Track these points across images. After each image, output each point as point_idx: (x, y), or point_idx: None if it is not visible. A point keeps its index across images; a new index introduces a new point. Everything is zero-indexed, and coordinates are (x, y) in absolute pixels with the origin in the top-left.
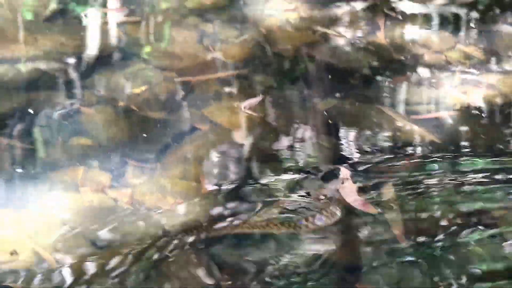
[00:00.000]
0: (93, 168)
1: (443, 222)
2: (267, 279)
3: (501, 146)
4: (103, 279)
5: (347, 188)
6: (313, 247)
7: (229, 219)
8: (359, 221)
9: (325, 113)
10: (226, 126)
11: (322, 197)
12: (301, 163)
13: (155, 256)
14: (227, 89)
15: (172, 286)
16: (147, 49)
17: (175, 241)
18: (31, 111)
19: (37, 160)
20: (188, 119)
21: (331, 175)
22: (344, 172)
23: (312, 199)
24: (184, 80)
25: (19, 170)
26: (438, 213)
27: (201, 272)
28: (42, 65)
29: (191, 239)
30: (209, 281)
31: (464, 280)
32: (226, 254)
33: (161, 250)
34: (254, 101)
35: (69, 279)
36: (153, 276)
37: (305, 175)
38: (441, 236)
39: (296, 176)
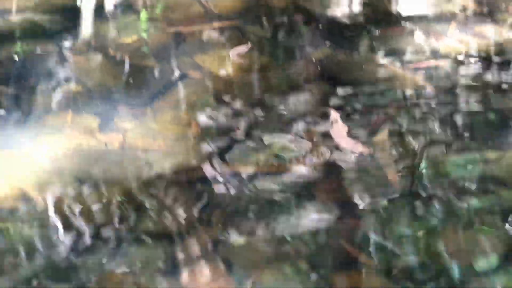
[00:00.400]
0: (82, 113)
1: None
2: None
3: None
4: (89, 216)
5: (337, 130)
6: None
7: (221, 160)
8: (349, 161)
9: (318, 62)
10: (218, 74)
11: (312, 138)
12: (292, 109)
13: (146, 195)
14: (219, 39)
15: (162, 224)
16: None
17: (165, 181)
18: (17, 58)
19: (26, 105)
20: (180, 67)
21: (320, 118)
22: (334, 114)
23: (302, 140)
24: (176, 30)
25: (7, 114)
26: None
27: (191, 211)
28: (33, 16)
29: (181, 179)
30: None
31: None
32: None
33: (151, 189)
34: (242, 49)
35: (56, 216)
36: (143, 213)
37: (295, 119)
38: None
39: (287, 120)
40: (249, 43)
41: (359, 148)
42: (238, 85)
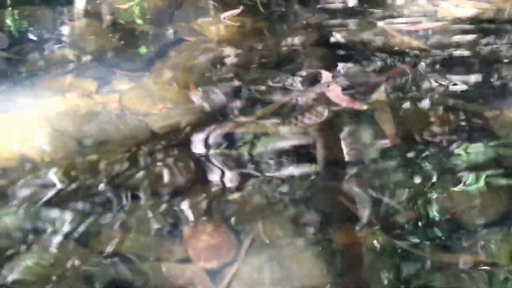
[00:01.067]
0: (79, 77)
1: (436, 125)
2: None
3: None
4: (91, 176)
5: (333, 90)
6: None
7: (220, 120)
8: (346, 120)
9: (315, 26)
10: (214, 37)
11: (309, 98)
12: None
13: (144, 155)
14: (215, 4)
15: (161, 182)
16: None
17: (164, 141)
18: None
19: (24, 69)
20: (177, 32)
21: (315, 79)
22: (326, 75)
23: (300, 100)
24: None
25: (5, 78)
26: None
27: (188, 170)
28: None
29: (179, 140)
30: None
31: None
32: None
33: (150, 149)
34: (233, 12)
35: (55, 176)
36: (142, 176)
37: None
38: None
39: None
40: (241, 6)
41: (356, 105)
42: (234, 48)
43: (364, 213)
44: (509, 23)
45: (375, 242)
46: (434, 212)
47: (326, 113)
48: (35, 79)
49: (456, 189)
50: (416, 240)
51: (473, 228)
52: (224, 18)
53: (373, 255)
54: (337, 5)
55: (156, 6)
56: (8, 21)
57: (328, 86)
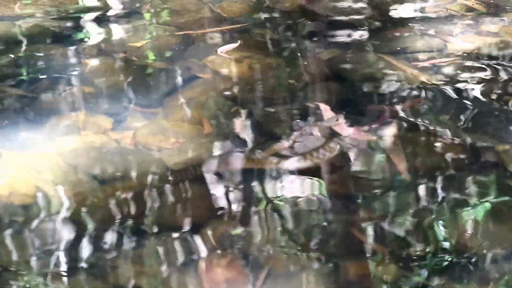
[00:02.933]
0: (94, 113)
1: (447, 158)
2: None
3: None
4: (104, 210)
5: (341, 124)
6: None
7: (233, 156)
8: (357, 153)
9: (326, 62)
10: (227, 75)
11: (319, 134)
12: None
13: (158, 189)
14: (227, 41)
15: (175, 217)
16: (148, 6)
17: (177, 176)
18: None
19: (40, 107)
20: (189, 68)
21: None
22: (323, 107)
23: (309, 136)
24: (185, 33)
25: (22, 116)
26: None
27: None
28: (43, 22)
29: (193, 175)
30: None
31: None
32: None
33: (163, 184)
34: (230, 46)
35: (69, 210)
36: (157, 210)
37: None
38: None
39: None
40: (239, 41)
41: (365, 136)
42: (246, 85)
43: (375, 245)
44: None
45: (386, 274)
46: (443, 243)
47: (338, 148)
48: (50, 116)
49: (465, 218)
50: (427, 271)
51: (483, 257)
52: (221, 52)
53: (385, 286)
54: (347, 39)
55: (168, 44)
56: (22, 60)
57: (336, 120)
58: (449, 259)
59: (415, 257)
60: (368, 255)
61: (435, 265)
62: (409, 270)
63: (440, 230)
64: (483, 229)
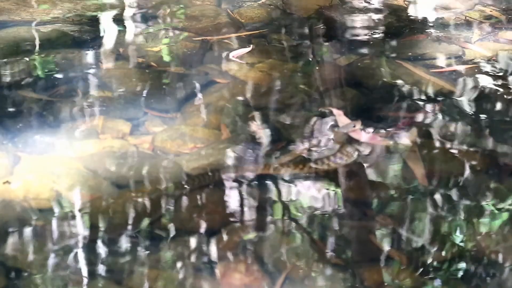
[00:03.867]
0: (113, 118)
1: (466, 164)
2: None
3: None
4: (122, 214)
5: (358, 130)
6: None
7: (251, 162)
8: (374, 160)
9: (344, 68)
10: (245, 80)
11: (336, 139)
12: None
13: (176, 194)
14: (244, 47)
15: (193, 222)
16: (166, 11)
17: (196, 182)
18: (51, 67)
19: (59, 111)
20: (207, 74)
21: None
22: (336, 112)
23: (327, 141)
24: (203, 39)
25: (41, 121)
26: (460, 155)
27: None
28: (62, 27)
29: (210, 180)
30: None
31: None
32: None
33: (181, 189)
34: (242, 51)
35: (87, 214)
36: (173, 213)
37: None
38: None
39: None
40: (251, 45)
41: (382, 141)
42: (264, 90)
43: (392, 251)
44: None
45: (405, 281)
46: (462, 249)
47: (355, 154)
48: (69, 121)
49: (484, 228)
50: (445, 278)
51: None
52: (233, 57)
53: None
54: (365, 46)
55: (186, 49)
56: (41, 64)
57: (354, 126)
58: (466, 267)
59: (432, 264)
60: (385, 261)
61: (452, 273)
62: (426, 277)
63: (457, 237)
64: (500, 237)
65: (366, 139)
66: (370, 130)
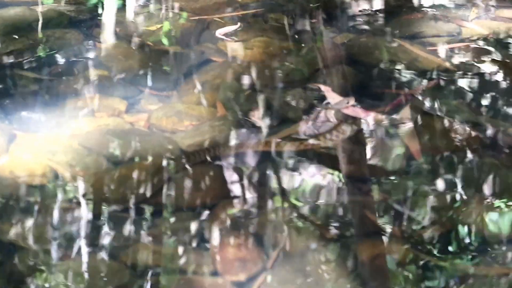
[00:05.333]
0: (109, 96)
1: (461, 142)
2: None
3: None
4: (118, 191)
5: (352, 107)
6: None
7: (245, 140)
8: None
9: (341, 46)
10: (241, 58)
11: (332, 116)
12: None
13: (171, 171)
14: (241, 26)
15: (189, 198)
16: None
17: (191, 158)
18: (48, 46)
19: (55, 90)
20: (203, 52)
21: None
22: (323, 88)
23: (323, 119)
24: (200, 18)
25: (38, 99)
26: (456, 132)
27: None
28: (59, 7)
29: (207, 156)
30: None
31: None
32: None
33: (177, 165)
34: (229, 28)
35: (84, 191)
36: (170, 191)
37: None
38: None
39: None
40: (238, 23)
41: (376, 116)
42: (260, 68)
43: (389, 226)
44: None
45: (400, 254)
46: (460, 224)
47: (350, 130)
48: (65, 99)
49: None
50: (442, 253)
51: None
52: (219, 34)
53: (398, 267)
54: (362, 24)
55: (183, 28)
56: (37, 43)
57: (347, 103)
58: (460, 240)
59: (425, 238)
60: (380, 236)
61: (446, 247)
62: (420, 251)
63: (452, 212)
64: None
65: (360, 115)
66: (365, 106)
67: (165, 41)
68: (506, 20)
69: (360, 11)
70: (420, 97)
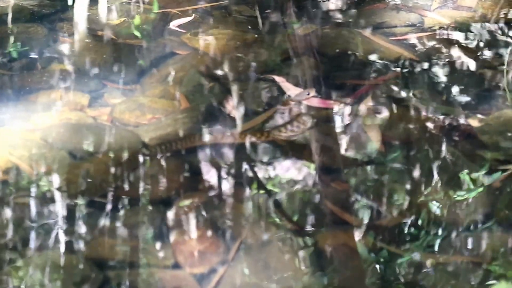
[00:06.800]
0: (71, 90)
1: (422, 131)
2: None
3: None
4: (79, 185)
5: (312, 98)
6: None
7: (208, 132)
8: (333, 127)
9: (304, 37)
10: (205, 51)
11: (292, 107)
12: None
13: (134, 164)
14: (206, 19)
15: (151, 191)
16: None
17: (153, 151)
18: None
19: (17, 84)
20: (167, 45)
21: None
22: (278, 79)
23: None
24: (163, 11)
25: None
26: (416, 122)
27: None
28: (21, 1)
29: (169, 150)
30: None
31: None
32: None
33: (139, 159)
34: (183, 20)
35: (45, 186)
36: (132, 184)
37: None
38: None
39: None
40: (193, 15)
41: (336, 104)
42: (223, 61)
43: (351, 217)
44: (493, 31)
45: (362, 244)
46: (421, 213)
47: (311, 122)
48: (27, 94)
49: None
50: (404, 242)
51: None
52: (173, 26)
53: (361, 257)
54: (325, 15)
55: (147, 21)
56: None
57: (308, 94)
58: (418, 229)
59: (386, 228)
60: (341, 226)
61: (405, 235)
62: (383, 241)
63: (411, 200)
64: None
65: (321, 106)
66: (327, 97)
67: (128, 34)
68: (467, 9)
69: (323, 2)
70: (382, 88)
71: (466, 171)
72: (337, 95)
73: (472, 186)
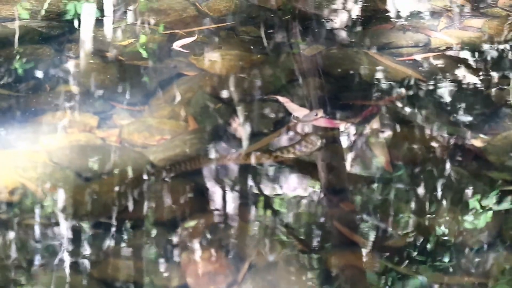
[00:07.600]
0: (80, 112)
1: (430, 151)
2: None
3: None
4: (89, 206)
5: (320, 118)
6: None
7: (216, 153)
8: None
9: (311, 58)
10: (212, 72)
11: (300, 129)
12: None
13: (143, 185)
14: (212, 39)
15: (159, 212)
16: (134, 5)
17: (162, 173)
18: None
19: (26, 106)
20: (175, 66)
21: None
22: (282, 100)
23: (292, 132)
24: (171, 32)
25: (8, 115)
26: (423, 142)
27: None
28: (30, 23)
29: (178, 171)
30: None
31: None
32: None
33: (148, 180)
34: (186, 40)
35: (54, 207)
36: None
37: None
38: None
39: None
40: (195, 35)
41: (344, 123)
42: (231, 82)
43: (360, 237)
44: (500, 51)
45: (372, 265)
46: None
47: (319, 142)
48: (36, 115)
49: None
50: (414, 263)
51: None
52: (176, 47)
53: (371, 278)
54: (332, 36)
55: (155, 42)
56: (8, 60)
57: (316, 115)
58: (428, 249)
59: (396, 249)
60: (351, 246)
61: (415, 256)
62: (391, 261)
63: (420, 221)
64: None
65: (329, 126)
66: (334, 118)
67: (136, 55)
68: (474, 30)
69: (330, 23)
70: (389, 108)
71: (475, 196)
72: (344, 116)
73: (480, 210)
